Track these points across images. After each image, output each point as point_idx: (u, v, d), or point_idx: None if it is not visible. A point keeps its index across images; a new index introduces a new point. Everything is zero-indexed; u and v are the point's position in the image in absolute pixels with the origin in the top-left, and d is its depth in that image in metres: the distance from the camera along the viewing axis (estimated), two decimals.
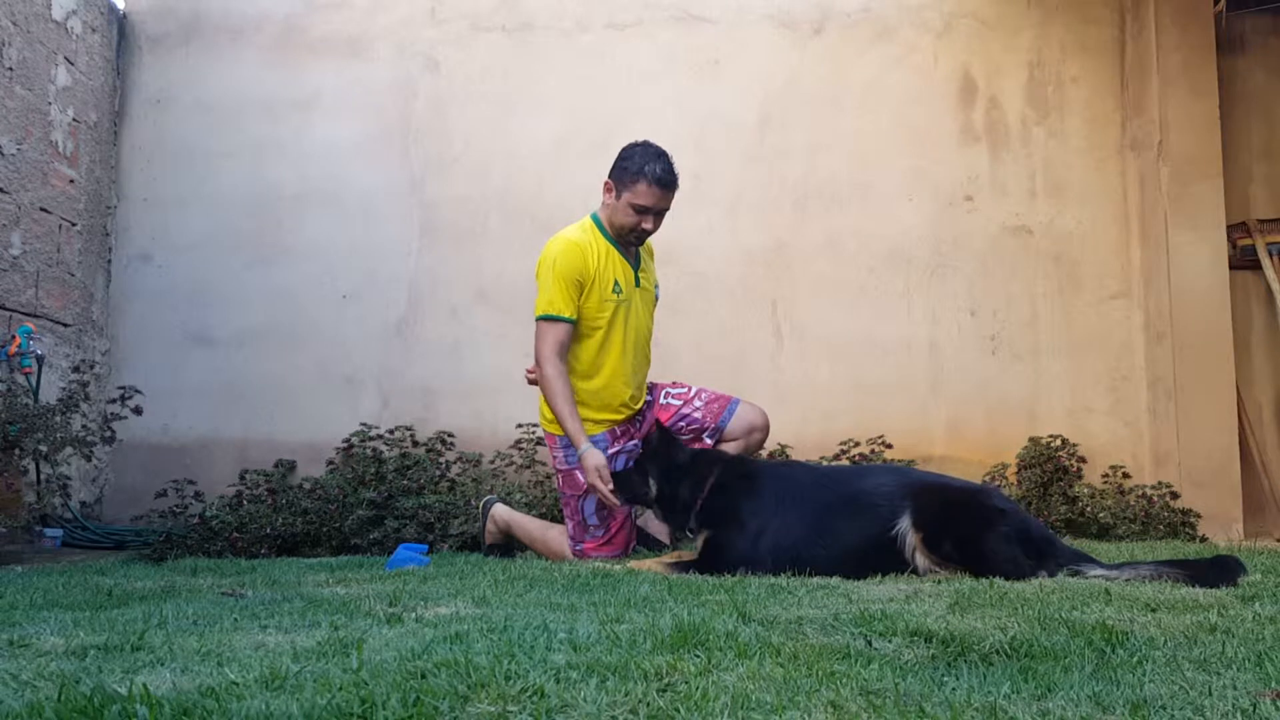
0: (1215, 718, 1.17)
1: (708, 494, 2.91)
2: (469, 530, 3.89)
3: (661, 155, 3.30)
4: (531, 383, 3.58)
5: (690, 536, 3.01)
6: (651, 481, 3.08)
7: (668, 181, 3.29)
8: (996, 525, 2.56)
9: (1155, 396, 4.76)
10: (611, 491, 3.16)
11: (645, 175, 3.26)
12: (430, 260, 5.15)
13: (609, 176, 3.38)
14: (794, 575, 2.64)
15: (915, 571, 2.62)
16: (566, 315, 3.29)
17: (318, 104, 5.28)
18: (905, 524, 2.63)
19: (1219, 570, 2.37)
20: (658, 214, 3.34)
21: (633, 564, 2.95)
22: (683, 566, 2.82)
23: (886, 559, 2.64)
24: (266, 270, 5.16)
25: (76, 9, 4.92)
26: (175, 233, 5.22)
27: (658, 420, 3.32)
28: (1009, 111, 5.09)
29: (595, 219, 3.44)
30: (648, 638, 1.57)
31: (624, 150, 3.37)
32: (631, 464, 3.34)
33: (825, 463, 4.51)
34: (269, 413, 5.05)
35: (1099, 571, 2.49)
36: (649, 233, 3.38)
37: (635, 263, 3.46)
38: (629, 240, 3.40)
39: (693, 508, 2.94)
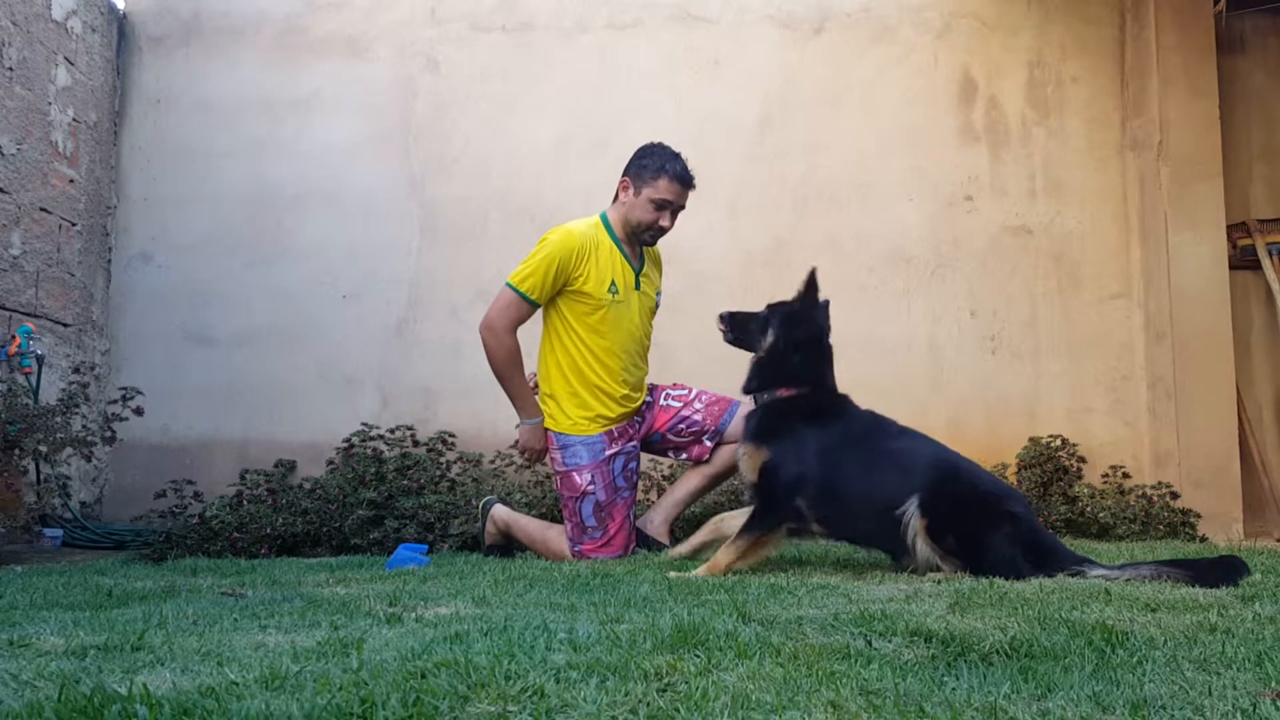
0: (1215, 718, 1.16)
1: (785, 398, 2.88)
2: (469, 530, 3.89)
3: (679, 155, 3.39)
4: (533, 388, 3.59)
5: (745, 393, 3.00)
6: (771, 333, 3.00)
7: (687, 179, 3.37)
8: (1002, 526, 2.56)
9: (1155, 396, 4.76)
10: (724, 322, 3.16)
11: (666, 172, 3.33)
12: (430, 260, 5.15)
13: (625, 174, 3.41)
14: (794, 576, 2.64)
15: (914, 557, 2.61)
16: (533, 298, 3.33)
17: (318, 104, 5.28)
18: (913, 507, 2.61)
19: (1221, 570, 2.37)
20: (675, 210, 3.39)
21: (702, 570, 2.79)
22: (747, 529, 2.77)
23: (889, 534, 2.64)
24: (266, 270, 5.16)
25: (76, 9, 4.92)
26: (175, 233, 5.22)
27: (811, 281, 3.04)
28: (1009, 111, 5.10)
29: (603, 218, 3.45)
30: (648, 638, 1.57)
31: (641, 149, 3.43)
32: (639, 448, 3.47)
33: None
34: (269, 413, 5.05)
35: (1100, 571, 2.49)
36: (665, 230, 3.41)
37: (638, 266, 3.47)
38: (644, 239, 3.43)
39: (773, 389, 2.91)
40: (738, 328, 3.12)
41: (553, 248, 3.31)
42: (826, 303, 3.01)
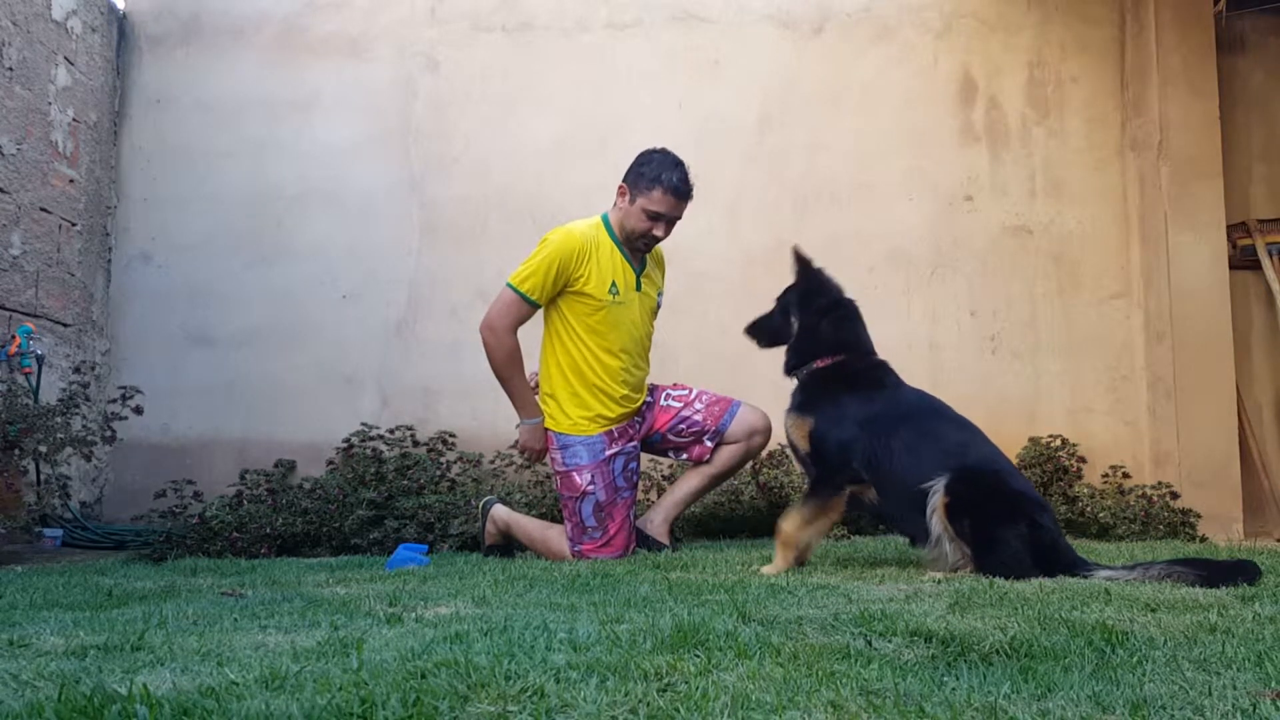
0: (1215, 718, 1.16)
1: (828, 366, 2.89)
2: (469, 530, 3.89)
3: (679, 165, 3.32)
4: (533, 390, 3.58)
5: (787, 373, 2.99)
6: (794, 320, 3.02)
7: (683, 191, 3.31)
8: (1019, 525, 2.55)
9: (1155, 396, 4.76)
10: (749, 331, 3.19)
11: (661, 183, 3.27)
12: (430, 260, 5.15)
13: (623, 180, 3.38)
14: (794, 576, 2.64)
15: (928, 533, 2.62)
16: (534, 299, 3.31)
17: (318, 104, 5.28)
18: (940, 484, 2.62)
19: (1228, 572, 2.36)
20: (669, 222, 3.35)
21: (767, 569, 2.79)
22: (811, 495, 2.79)
23: (915, 512, 2.65)
24: (266, 270, 5.16)
25: (76, 9, 4.92)
26: (175, 233, 5.22)
27: (799, 256, 3.11)
28: (1009, 111, 5.10)
29: (604, 219, 3.44)
30: (648, 638, 1.57)
31: (641, 155, 3.38)
32: (639, 448, 3.47)
33: None
34: (269, 413, 5.05)
35: (1105, 572, 2.48)
36: (658, 239, 3.39)
37: (639, 267, 3.46)
38: (637, 246, 3.40)
39: (810, 362, 2.92)
40: (761, 331, 3.16)
41: (553, 248, 3.30)
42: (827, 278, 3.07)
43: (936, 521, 2.60)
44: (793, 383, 3.04)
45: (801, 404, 2.93)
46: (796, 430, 2.89)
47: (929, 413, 2.89)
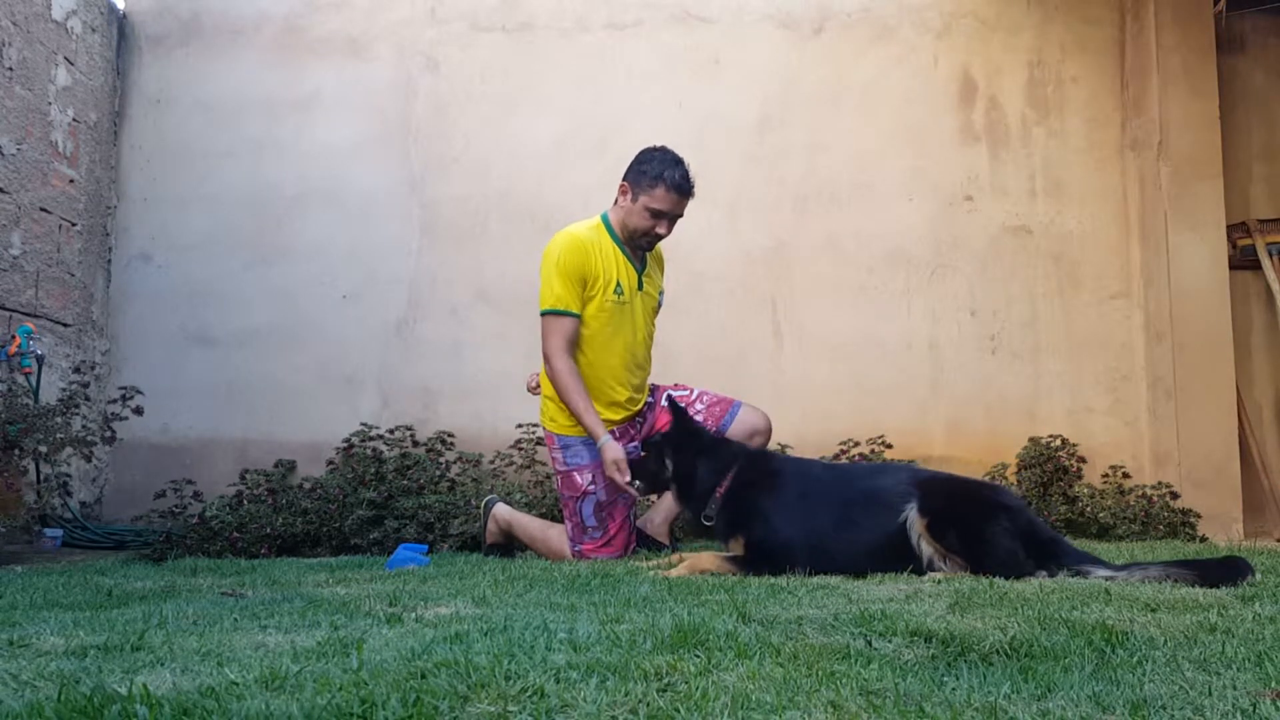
0: (1215, 718, 1.16)
1: (730, 486, 2.89)
2: (469, 530, 3.89)
3: (680, 162, 3.32)
4: (534, 391, 3.58)
5: (706, 524, 2.92)
6: (667, 463, 3.06)
7: (685, 188, 3.31)
8: (999, 520, 2.57)
9: (1155, 396, 4.76)
10: (631, 484, 3.16)
11: (664, 180, 3.27)
12: (430, 260, 5.15)
13: (624, 179, 3.37)
14: (795, 576, 2.64)
15: (920, 560, 2.62)
16: (572, 310, 3.30)
17: (318, 104, 5.28)
18: (912, 511, 2.63)
19: (1224, 570, 2.37)
20: (672, 219, 3.35)
21: (682, 569, 2.78)
22: (738, 563, 2.76)
23: (901, 551, 2.64)
24: (266, 270, 5.17)
25: (76, 9, 4.92)
26: (175, 233, 5.22)
27: (672, 401, 3.28)
28: (1009, 111, 5.10)
29: (604, 219, 3.43)
30: (648, 638, 1.57)
31: (642, 154, 3.38)
32: (640, 449, 3.39)
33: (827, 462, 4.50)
34: (269, 413, 5.05)
35: (1104, 572, 2.49)
36: (661, 237, 3.38)
37: (640, 266, 3.46)
38: (639, 244, 3.40)
39: (711, 495, 2.89)
40: (642, 478, 3.20)
41: (559, 252, 3.29)
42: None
43: (925, 545, 2.61)
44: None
45: (726, 530, 2.89)
46: (734, 546, 2.87)
47: (840, 476, 2.99)
